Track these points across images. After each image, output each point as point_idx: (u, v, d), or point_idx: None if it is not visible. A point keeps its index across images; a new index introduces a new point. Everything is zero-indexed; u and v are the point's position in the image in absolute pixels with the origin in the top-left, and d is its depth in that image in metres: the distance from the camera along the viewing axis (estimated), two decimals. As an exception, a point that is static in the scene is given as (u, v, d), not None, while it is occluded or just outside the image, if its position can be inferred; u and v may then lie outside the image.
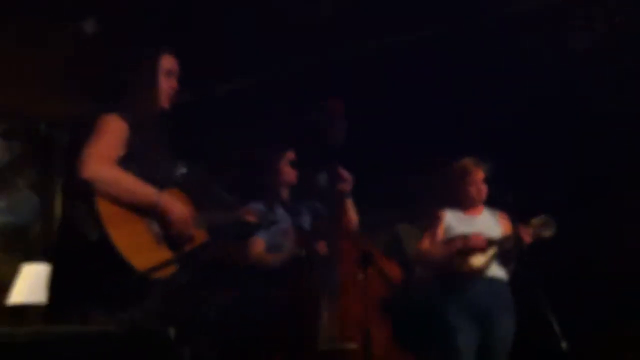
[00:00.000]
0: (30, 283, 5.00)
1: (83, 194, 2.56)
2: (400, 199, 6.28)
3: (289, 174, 4.19)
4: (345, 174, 3.92)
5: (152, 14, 4.58)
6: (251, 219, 3.37)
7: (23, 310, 5.01)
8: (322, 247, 3.82)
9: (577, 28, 4.75)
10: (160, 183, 2.85)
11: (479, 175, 4.50)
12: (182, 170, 3.29)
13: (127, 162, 2.78)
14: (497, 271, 4.35)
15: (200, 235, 2.93)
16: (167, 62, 3.12)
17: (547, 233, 4.29)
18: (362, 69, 5.31)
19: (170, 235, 2.78)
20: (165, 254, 2.70)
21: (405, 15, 4.67)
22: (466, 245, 4.30)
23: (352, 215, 4.04)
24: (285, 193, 4.21)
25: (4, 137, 6.33)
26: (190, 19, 4.71)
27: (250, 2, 4.59)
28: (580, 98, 5.31)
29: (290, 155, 4.19)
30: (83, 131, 2.75)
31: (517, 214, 4.16)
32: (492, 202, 4.58)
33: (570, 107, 5.34)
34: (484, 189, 4.50)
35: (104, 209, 2.55)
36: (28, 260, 5.39)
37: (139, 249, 2.59)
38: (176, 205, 2.82)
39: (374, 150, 5.88)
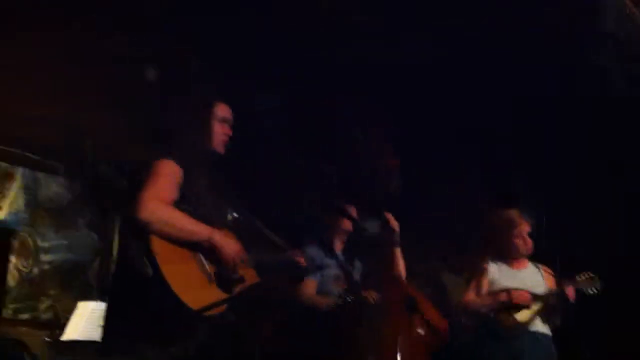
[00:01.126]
0: (86, 320, 5.11)
1: (139, 233, 2.68)
2: (446, 249, 6.28)
3: (346, 223, 4.30)
4: (394, 222, 4.01)
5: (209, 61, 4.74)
6: (300, 261, 3.44)
7: (78, 346, 5.12)
8: (371, 295, 3.88)
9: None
10: (212, 225, 2.95)
11: (525, 227, 4.50)
12: (233, 212, 3.39)
13: (180, 204, 2.90)
14: (541, 326, 4.33)
15: (249, 275, 3.03)
16: (222, 110, 3.26)
17: (592, 290, 4.27)
18: (414, 121, 5.40)
19: (221, 275, 2.87)
20: (215, 292, 2.80)
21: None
22: (511, 301, 4.29)
23: (400, 263, 4.12)
24: (342, 240, 4.32)
25: (65, 177, 6.58)
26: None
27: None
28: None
29: (348, 206, 4.29)
30: (140, 174, 2.87)
31: (562, 269, 4.12)
32: (538, 257, 4.55)
33: (617, 166, 5.31)
34: (529, 242, 4.49)
35: (158, 248, 2.66)
36: (85, 298, 5.53)
37: (191, 287, 2.69)
38: (228, 242, 2.93)
39: (422, 199, 5.91)
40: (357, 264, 4.40)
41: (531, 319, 4.28)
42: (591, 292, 4.28)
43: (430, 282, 6.40)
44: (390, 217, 4.06)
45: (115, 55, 4.68)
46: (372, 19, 4.51)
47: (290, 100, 5.18)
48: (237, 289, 2.94)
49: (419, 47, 4.68)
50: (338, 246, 4.30)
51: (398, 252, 4.12)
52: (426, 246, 6.33)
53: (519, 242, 4.49)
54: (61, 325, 5.37)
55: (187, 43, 4.62)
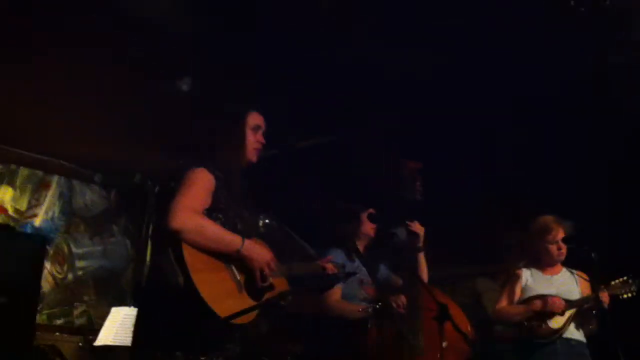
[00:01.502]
0: (118, 326, 5.18)
1: (170, 242, 2.71)
2: (481, 254, 6.25)
3: (369, 227, 4.31)
4: (418, 227, 4.02)
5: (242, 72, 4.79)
6: (331, 269, 3.45)
7: (111, 352, 5.18)
8: (400, 300, 3.88)
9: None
10: (243, 233, 2.97)
11: (560, 233, 4.45)
12: (265, 220, 3.41)
13: (212, 212, 2.92)
14: (575, 332, 4.29)
15: (280, 284, 3.03)
16: (254, 119, 3.27)
17: (628, 294, 4.21)
18: (441, 132, 5.41)
19: (251, 284, 2.89)
20: (246, 301, 2.81)
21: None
22: (544, 308, 4.25)
23: (424, 269, 4.12)
24: (363, 245, 4.32)
25: (102, 186, 6.68)
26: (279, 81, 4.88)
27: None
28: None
29: (370, 210, 4.29)
30: (173, 183, 2.90)
31: (597, 275, 4.08)
32: (573, 262, 4.51)
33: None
34: (564, 248, 4.44)
35: (190, 256, 2.68)
36: (118, 304, 5.60)
37: (222, 296, 2.70)
38: (259, 251, 2.93)
39: (456, 205, 5.90)
40: (382, 269, 4.40)
41: (565, 326, 4.24)
42: (627, 297, 4.22)
43: (464, 287, 6.39)
44: (414, 222, 4.07)
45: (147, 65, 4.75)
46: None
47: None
48: (266, 296, 2.94)
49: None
50: (361, 250, 4.29)
51: (422, 257, 4.12)
52: (460, 251, 6.33)
53: (553, 248, 4.46)
54: (95, 331, 5.45)
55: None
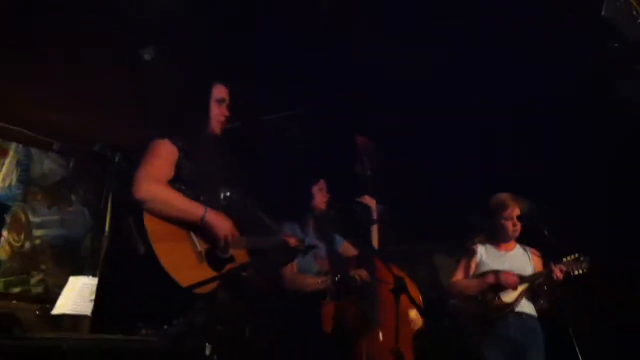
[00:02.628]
0: (76, 295, 5.15)
1: (132, 211, 2.72)
2: (438, 231, 6.34)
3: (320, 200, 4.30)
4: (369, 200, 4.07)
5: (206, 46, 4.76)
6: (292, 243, 3.49)
7: (69, 320, 5.16)
8: (361, 273, 3.93)
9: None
10: (205, 205, 2.99)
11: (515, 211, 4.56)
12: (226, 194, 3.43)
13: (175, 184, 2.94)
14: (527, 306, 4.41)
15: (241, 256, 3.07)
16: (219, 91, 3.28)
17: (579, 271, 4.34)
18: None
19: (212, 255, 2.91)
20: (206, 272, 2.84)
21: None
22: (498, 282, 4.36)
23: (376, 242, 4.17)
24: (314, 218, 4.31)
25: (61, 155, 6.59)
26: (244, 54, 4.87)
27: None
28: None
29: (322, 183, 4.31)
30: (135, 153, 2.91)
31: (550, 251, 4.19)
32: (526, 239, 4.63)
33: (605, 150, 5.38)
34: (518, 225, 4.56)
35: (151, 226, 2.70)
36: (77, 273, 5.56)
37: (182, 265, 2.73)
38: (221, 220, 2.97)
39: (413, 183, 5.98)
40: (338, 241, 4.40)
41: (517, 300, 4.36)
42: (578, 273, 4.35)
43: (422, 263, 6.49)
44: (365, 196, 4.10)
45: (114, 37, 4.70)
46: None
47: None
48: (227, 268, 2.97)
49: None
50: (312, 224, 4.29)
51: (375, 230, 4.17)
52: (417, 228, 6.41)
53: (508, 224, 4.56)
54: (52, 300, 5.41)
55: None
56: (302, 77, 4.95)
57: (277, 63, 4.80)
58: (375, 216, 4.14)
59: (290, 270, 4.09)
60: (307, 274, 4.06)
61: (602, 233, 5.32)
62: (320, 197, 4.29)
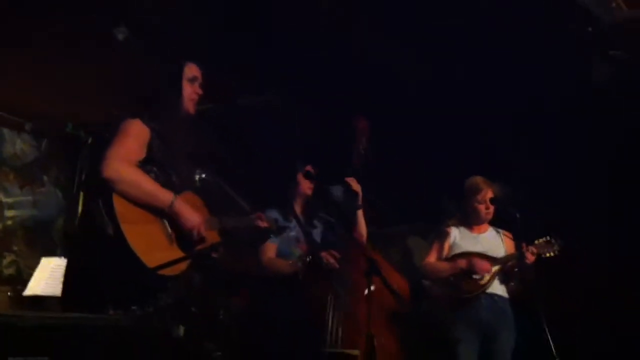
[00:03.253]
0: (48, 276, 5.12)
1: (101, 191, 2.69)
2: (413, 213, 6.37)
3: (306, 186, 4.29)
4: (356, 186, 4.05)
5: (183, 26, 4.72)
6: (263, 224, 3.47)
7: (43, 302, 5.12)
8: (332, 254, 3.93)
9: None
10: (178, 187, 2.96)
11: (488, 194, 4.58)
12: (201, 175, 3.40)
13: (147, 165, 2.90)
14: (498, 288, 4.45)
15: (212, 237, 3.04)
16: (190, 70, 3.24)
17: (550, 254, 4.38)
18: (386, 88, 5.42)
19: (183, 236, 2.89)
20: (176, 253, 2.81)
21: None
22: (471, 268, 4.39)
23: (363, 226, 4.17)
24: (300, 204, 4.31)
25: (32, 135, 6.51)
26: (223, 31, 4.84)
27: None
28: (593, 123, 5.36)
29: (308, 168, 4.29)
30: (108, 134, 2.87)
31: (522, 234, 4.21)
32: (499, 222, 4.66)
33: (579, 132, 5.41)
34: (491, 207, 4.58)
35: (120, 207, 2.67)
36: (49, 254, 5.52)
37: (151, 247, 2.71)
38: (189, 212, 2.91)
39: (392, 165, 5.98)
40: (319, 227, 4.41)
41: (489, 282, 4.40)
42: (549, 255, 4.40)
43: (397, 245, 6.51)
44: (352, 180, 4.09)
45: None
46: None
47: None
48: (197, 249, 2.94)
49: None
50: (298, 209, 4.29)
51: (360, 214, 4.17)
52: (393, 211, 6.42)
53: (481, 207, 4.59)
54: (24, 281, 5.37)
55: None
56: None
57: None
58: (360, 201, 4.15)
59: (269, 254, 4.10)
60: (289, 258, 4.07)
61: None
62: (306, 183, 4.28)
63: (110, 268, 2.65)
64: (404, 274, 4.20)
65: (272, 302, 3.92)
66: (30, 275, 5.32)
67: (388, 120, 5.41)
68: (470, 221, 4.66)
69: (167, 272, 2.62)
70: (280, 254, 4.13)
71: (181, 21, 4.69)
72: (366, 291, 3.80)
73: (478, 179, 4.66)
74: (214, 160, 3.71)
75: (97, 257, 2.68)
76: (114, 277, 2.65)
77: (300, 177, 4.30)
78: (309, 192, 4.33)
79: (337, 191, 4.16)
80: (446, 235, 4.65)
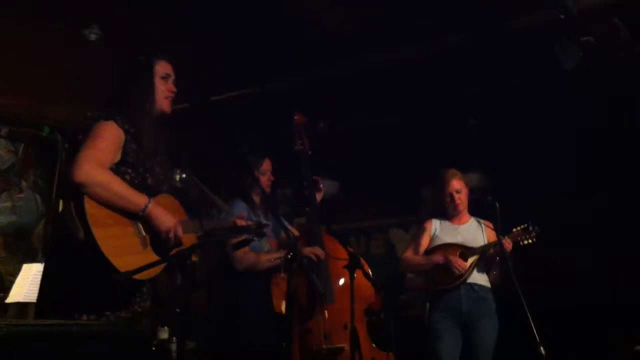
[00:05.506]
0: (30, 283, 5.09)
1: (73, 195, 2.65)
2: (395, 207, 6.39)
3: (264, 179, 4.25)
4: (315, 179, 4.19)
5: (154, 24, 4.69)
6: (241, 222, 3.44)
7: (25, 309, 5.10)
8: (318, 251, 3.93)
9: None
10: (153, 189, 2.92)
11: (454, 185, 4.60)
12: (182, 175, 3.36)
13: (121, 167, 2.86)
14: (478, 277, 4.47)
15: (189, 241, 2.98)
16: (162, 68, 3.16)
17: (528, 241, 4.40)
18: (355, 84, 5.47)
19: (158, 240, 2.84)
20: (150, 257, 2.76)
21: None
22: (447, 264, 4.40)
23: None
24: (258, 198, 4.25)
25: (9, 140, 6.45)
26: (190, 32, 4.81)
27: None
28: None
29: (267, 164, 4.26)
30: (80, 136, 2.83)
31: (498, 222, 4.22)
32: (481, 212, 4.66)
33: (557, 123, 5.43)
34: (460, 198, 4.59)
35: (92, 210, 2.62)
36: (30, 260, 5.49)
37: (124, 251, 2.66)
38: (164, 215, 2.86)
39: (372, 161, 6.00)
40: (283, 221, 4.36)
41: (468, 272, 4.42)
42: (527, 243, 4.41)
43: (378, 238, 6.54)
44: (317, 178, 4.18)
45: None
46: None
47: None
48: (173, 252, 2.88)
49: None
50: (258, 205, 4.25)
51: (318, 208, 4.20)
52: (375, 204, 6.45)
53: (448, 199, 4.60)
54: (6, 288, 5.34)
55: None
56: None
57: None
58: (321, 195, 4.16)
59: (242, 249, 4.05)
60: (259, 251, 4.02)
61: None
62: (264, 179, 4.23)
63: (82, 273, 2.61)
64: (387, 266, 4.21)
65: (251, 298, 3.89)
66: (11, 282, 5.29)
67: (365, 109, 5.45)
68: (446, 213, 4.67)
69: (141, 275, 2.58)
70: (251, 249, 4.06)
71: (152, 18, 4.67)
72: (341, 282, 3.89)
73: (444, 171, 4.68)
74: (187, 158, 3.68)
75: (69, 262, 2.65)
76: (86, 282, 2.61)
77: (258, 173, 4.20)
78: (267, 188, 4.27)
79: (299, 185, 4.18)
80: (425, 228, 4.67)
